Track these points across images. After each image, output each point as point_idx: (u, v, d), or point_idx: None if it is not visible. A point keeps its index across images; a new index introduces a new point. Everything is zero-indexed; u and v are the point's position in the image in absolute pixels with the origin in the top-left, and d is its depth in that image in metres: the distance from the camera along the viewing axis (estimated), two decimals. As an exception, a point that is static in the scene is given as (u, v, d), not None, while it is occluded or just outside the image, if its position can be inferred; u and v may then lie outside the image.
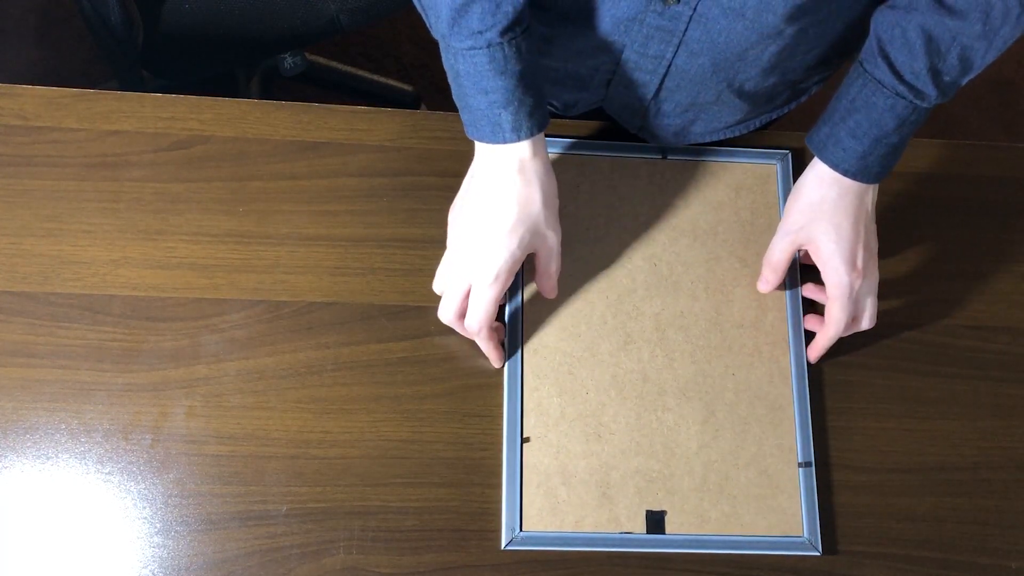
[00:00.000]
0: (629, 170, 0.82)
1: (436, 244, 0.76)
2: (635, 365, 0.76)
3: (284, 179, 0.78)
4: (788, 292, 0.79)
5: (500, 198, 0.68)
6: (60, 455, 0.69)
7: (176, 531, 0.68)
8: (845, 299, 0.72)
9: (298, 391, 0.73)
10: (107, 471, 0.69)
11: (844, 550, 0.73)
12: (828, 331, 0.74)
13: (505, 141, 0.67)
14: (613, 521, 0.71)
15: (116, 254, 0.75)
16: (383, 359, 0.74)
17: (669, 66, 0.73)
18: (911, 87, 0.67)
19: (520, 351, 0.75)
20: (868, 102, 0.69)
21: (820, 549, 0.72)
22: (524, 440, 0.73)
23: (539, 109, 0.68)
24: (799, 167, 0.82)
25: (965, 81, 0.68)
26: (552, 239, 0.71)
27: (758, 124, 0.85)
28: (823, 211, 0.72)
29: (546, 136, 0.77)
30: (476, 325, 0.70)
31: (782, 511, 0.73)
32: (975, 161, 0.87)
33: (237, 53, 1.23)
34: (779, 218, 0.80)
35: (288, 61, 1.39)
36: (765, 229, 0.81)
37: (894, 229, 0.83)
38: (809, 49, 0.74)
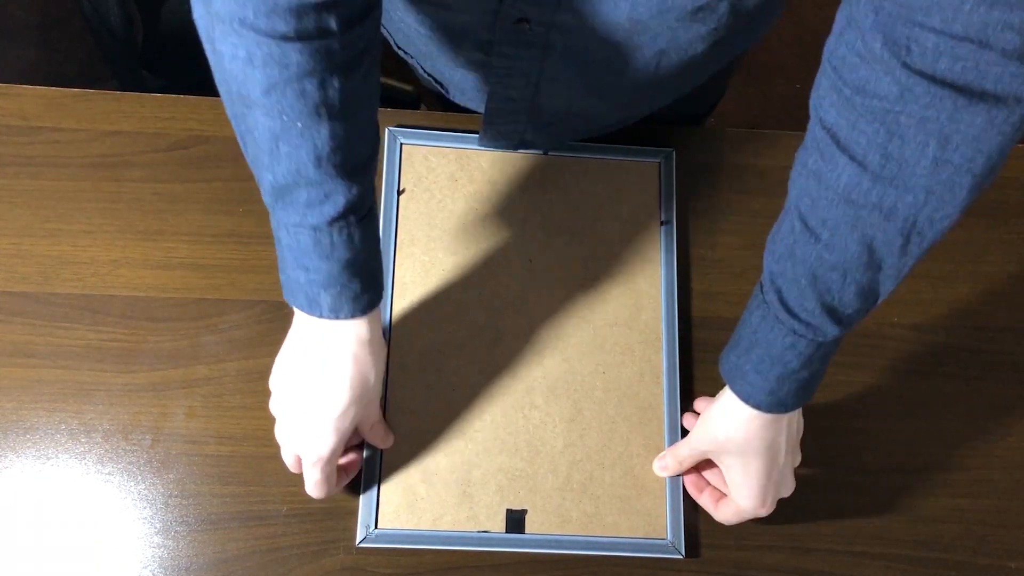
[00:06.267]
0: (509, 165, 0.80)
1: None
2: (504, 362, 0.74)
3: (284, 179, 0.78)
4: (663, 290, 0.78)
5: (332, 377, 0.62)
6: (60, 455, 0.69)
7: (176, 531, 0.68)
8: (740, 517, 0.68)
9: (298, 391, 0.73)
10: (107, 471, 0.69)
11: (842, 550, 0.73)
12: (715, 514, 0.70)
13: (322, 316, 0.61)
14: (472, 520, 0.70)
15: (116, 254, 0.75)
16: (383, 359, 0.74)
17: (539, 77, 0.69)
18: (808, 325, 0.59)
19: (387, 347, 0.73)
20: (768, 338, 0.61)
21: (683, 552, 0.71)
22: None
23: (367, 292, 0.61)
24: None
25: (874, 308, 0.60)
26: (376, 407, 0.68)
27: (647, 111, 0.81)
28: (729, 450, 0.66)
29: (429, 129, 0.73)
30: (314, 493, 0.66)
31: (647, 512, 0.72)
32: (975, 161, 0.87)
33: (237, 53, 1.23)
34: (658, 216, 0.80)
35: (288, 61, 1.38)
36: (644, 227, 0.80)
37: (894, 229, 0.83)
38: (667, 73, 0.68)
